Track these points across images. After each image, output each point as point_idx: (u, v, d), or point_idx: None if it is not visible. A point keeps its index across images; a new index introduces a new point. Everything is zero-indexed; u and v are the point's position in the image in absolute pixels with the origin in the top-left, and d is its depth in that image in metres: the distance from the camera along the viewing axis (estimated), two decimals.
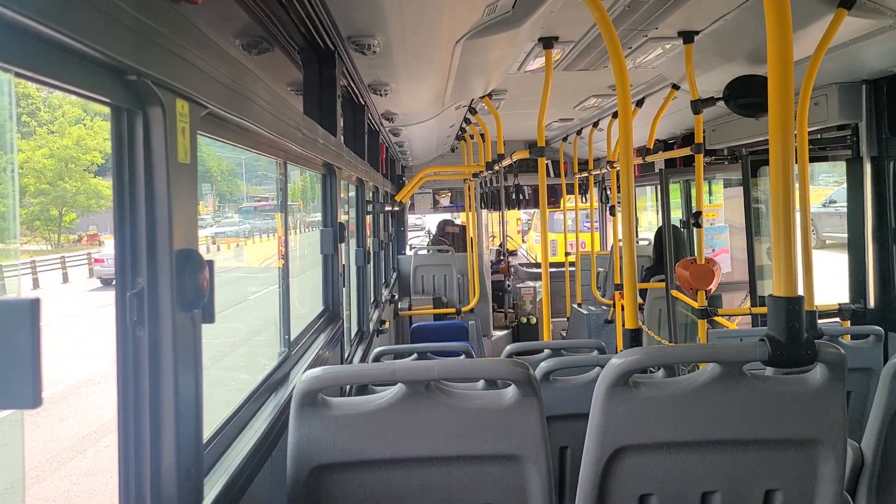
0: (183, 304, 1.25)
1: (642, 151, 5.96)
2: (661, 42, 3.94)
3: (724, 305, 6.24)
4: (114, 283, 1.23)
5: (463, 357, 3.16)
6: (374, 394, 1.73)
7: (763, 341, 1.73)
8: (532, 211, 16.15)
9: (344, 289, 3.71)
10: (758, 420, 1.69)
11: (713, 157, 5.82)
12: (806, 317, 1.83)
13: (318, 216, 3.49)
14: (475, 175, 8.48)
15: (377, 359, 3.21)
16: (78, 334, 11.53)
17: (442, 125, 6.86)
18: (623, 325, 2.74)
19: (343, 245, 3.57)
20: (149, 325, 1.21)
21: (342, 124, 3.67)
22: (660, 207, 8.33)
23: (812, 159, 4.38)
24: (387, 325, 6.21)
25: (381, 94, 4.35)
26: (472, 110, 6.39)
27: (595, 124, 7.51)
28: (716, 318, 4.37)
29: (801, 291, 1.82)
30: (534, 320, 10.01)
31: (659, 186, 7.33)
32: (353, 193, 4.92)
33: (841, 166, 4.63)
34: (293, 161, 2.68)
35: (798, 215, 2.49)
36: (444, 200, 11.67)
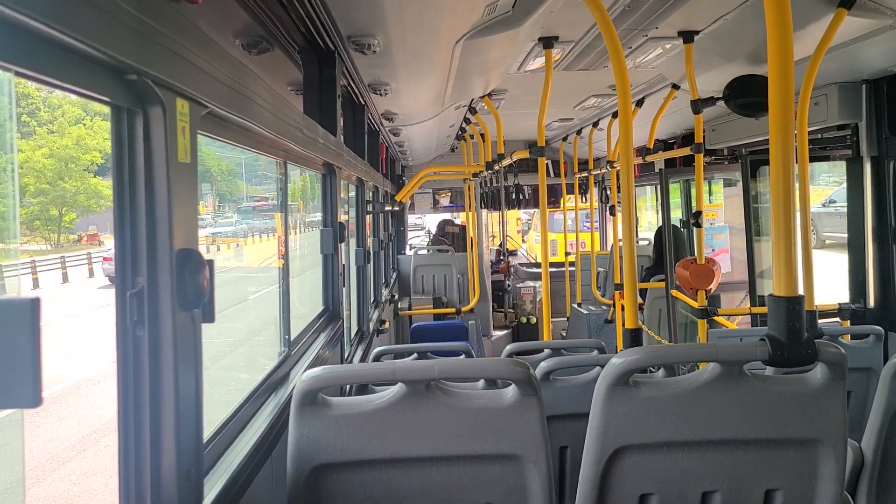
0: (183, 303, 1.25)
1: (642, 151, 5.96)
2: (661, 42, 3.94)
3: (722, 305, 6.24)
4: None
5: (463, 357, 3.16)
6: (374, 393, 1.73)
7: (763, 341, 1.73)
8: (532, 211, 16.16)
9: (344, 288, 3.71)
10: (758, 420, 1.69)
11: (713, 157, 5.81)
12: (806, 316, 1.83)
13: (317, 216, 3.49)
14: (475, 175, 8.48)
15: (377, 358, 3.21)
16: (91, 331, 11.58)
17: (442, 125, 6.86)
18: (623, 324, 2.74)
19: (343, 245, 3.57)
20: (149, 325, 1.21)
21: (342, 124, 3.67)
22: (660, 207, 8.33)
23: (812, 159, 4.38)
24: (387, 324, 6.21)
25: (381, 94, 4.35)
26: (472, 110, 6.39)
27: (595, 124, 7.51)
28: (715, 318, 4.37)
29: (801, 291, 1.82)
30: (534, 320, 10.01)
31: (659, 186, 7.33)
32: (353, 193, 4.92)
33: (841, 166, 4.64)
34: (293, 161, 2.68)
35: (798, 215, 2.49)
36: (444, 200, 11.67)
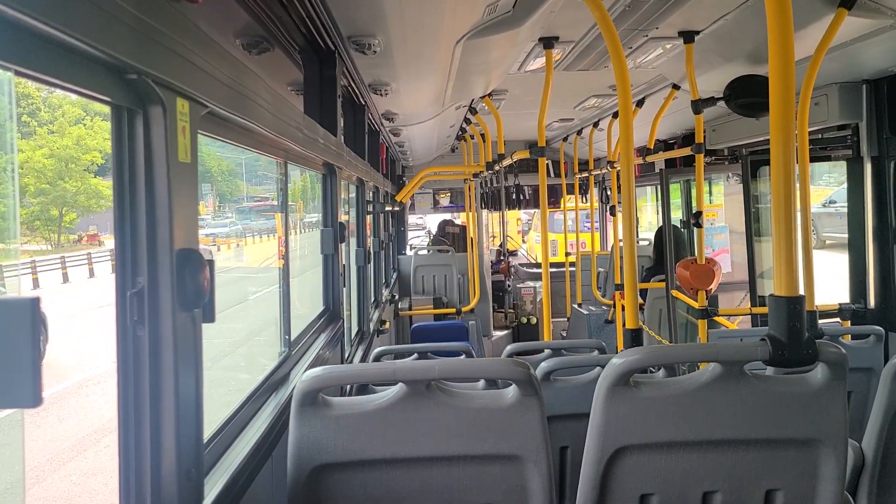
0: (183, 303, 1.25)
1: (643, 151, 5.96)
2: (661, 42, 3.94)
3: (721, 305, 6.23)
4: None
5: (463, 357, 3.15)
6: (375, 394, 1.73)
7: (764, 341, 1.72)
8: (532, 211, 16.15)
9: (344, 289, 3.71)
10: (759, 420, 1.69)
11: (713, 157, 5.81)
12: (807, 317, 1.83)
13: (315, 217, 3.49)
14: (475, 175, 8.48)
15: (377, 359, 3.21)
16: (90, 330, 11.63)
17: (442, 125, 6.86)
18: (623, 324, 2.73)
19: (343, 245, 3.57)
20: (149, 325, 1.21)
21: (342, 124, 3.67)
22: (660, 207, 8.33)
23: (813, 159, 4.38)
24: (387, 325, 6.22)
25: (381, 94, 4.35)
26: (473, 110, 6.39)
27: (595, 124, 7.51)
28: (716, 318, 4.37)
29: (801, 291, 1.82)
30: (534, 320, 10.01)
31: (659, 186, 7.33)
32: (353, 193, 4.92)
33: (841, 166, 4.63)
34: (293, 161, 2.68)
35: (799, 215, 2.49)
36: (445, 200, 11.67)
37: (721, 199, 7.79)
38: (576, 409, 2.47)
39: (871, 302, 4.35)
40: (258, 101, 1.73)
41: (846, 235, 4.59)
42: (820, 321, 3.62)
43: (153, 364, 1.22)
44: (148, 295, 1.21)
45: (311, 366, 2.43)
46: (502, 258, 10.93)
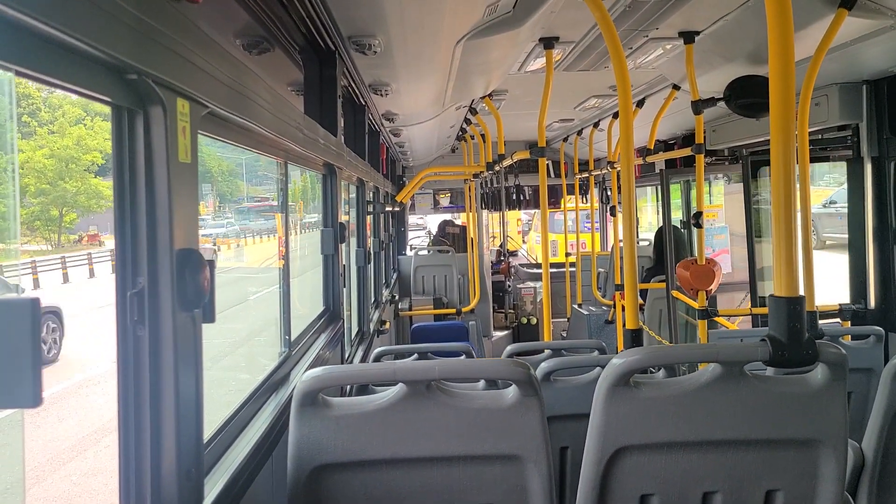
0: (183, 303, 1.25)
1: (643, 152, 5.96)
2: (661, 42, 3.94)
3: (720, 306, 6.23)
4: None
5: (463, 357, 3.16)
6: (375, 394, 1.73)
7: (764, 341, 1.72)
8: (532, 211, 16.15)
9: (344, 289, 3.71)
10: (759, 420, 1.69)
11: (714, 158, 5.81)
12: (807, 317, 1.83)
13: (315, 217, 3.48)
14: (476, 175, 8.48)
15: (377, 359, 3.21)
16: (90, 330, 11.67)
17: (442, 125, 6.86)
18: (623, 325, 2.73)
19: (343, 245, 3.57)
20: (149, 325, 1.21)
21: (342, 124, 3.67)
22: (660, 208, 8.33)
23: (813, 160, 4.38)
24: (387, 325, 6.22)
25: (381, 95, 4.35)
26: (473, 110, 6.39)
27: (596, 125, 7.51)
28: (716, 319, 4.37)
29: (801, 292, 1.82)
30: (534, 321, 10.01)
31: (659, 187, 7.33)
32: (353, 194, 4.92)
33: (841, 166, 4.63)
34: (294, 161, 2.68)
35: (799, 216, 2.49)
36: (445, 201, 11.67)
37: (721, 200, 7.80)
38: (576, 410, 2.47)
39: (872, 302, 4.35)
40: (258, 101, 1.73)
41: (846, 236, 4.59)
42: (820, 321, 3.62)
43: (153, 364, 1.22)
44: (148, 295, 1.21)
45: (312, 366, 2.43)
46: (502, 258, 10.93)
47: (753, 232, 5.35)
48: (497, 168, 6.76)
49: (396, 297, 8.12)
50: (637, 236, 9.03)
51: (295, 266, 3.02)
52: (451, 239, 11.08)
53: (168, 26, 1.16)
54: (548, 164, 4.45)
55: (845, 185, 4.58)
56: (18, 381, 0.85)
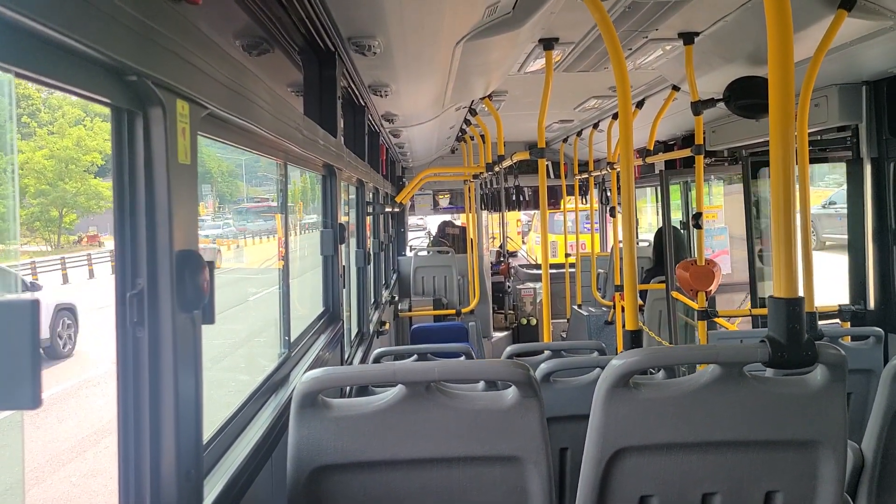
0: (183, 304, 1.25)
1: (642, 153, 5.96)
2: (661, 43, 3.94)
3: (719, 307, 6.24)
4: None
5: (463, 358, 3.15)
6: (375, 395, 1.73)
7: (763, 342, 1.72)
8: (532, 212, 16.16)
9: (344, 290, 3.71)
10: (758, 421, 1.69)
11: (713, 159, 5.82)
12: (806, 318, 1.83)
13: (314, 218, 3.48)
14: (475, 176, 8.49)
15: (377, 360, 3.21)
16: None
17: (442, 126, 6.86)
18: (623, 326, 2.74)
19: (343, 246, 3.57)
20: (149, 326, 1.21)
21: (342, 125, 3.67)
22: (660, 208, 8.33)
23: (812, 160, 4.38)
24: (387, 326, 6.22)
25: (381, 96, 4.35)
26: (473, 111, 6.39)
27: (595, 125, 7.51)
28: (715, 320, 4.37)
29: (801, 293, 1.82)
30: (534, 321, 10.00)
31: (659, 188, 7.33)
32: (353, 195, 4.92)
33: (841, 167, 4.63)
34: (293, 162, 2.68)
35: (798, 216, 2.49)
36: (444, 201, 11.67)
37: (721, 201, 7.80)
38: (575, 411, 2.47)
39: (871, 303, 4.35)
40: (258, 102, 1.73)
41: (846, 237, 4.59)
42: (819, 322, 3.62)
43: (153, 365, 1.22)
44: (148, 296, 1.21)
45: (311, 367, 2.43)
46: (502, 259, 10.93)
47: (753, 233, 5.35)
48: (497, 169, 6.77)
49: (396, 298, 8.12)
50: (637, 237, 9.05)
51: (294, 267, 3.02)
52: (450, 240, 11.08)
53: (168, 28, 1.16)
54: (547, 165, 4.44)
55: (845, 186, 4.58)
56: (18, 382, 0.85)
